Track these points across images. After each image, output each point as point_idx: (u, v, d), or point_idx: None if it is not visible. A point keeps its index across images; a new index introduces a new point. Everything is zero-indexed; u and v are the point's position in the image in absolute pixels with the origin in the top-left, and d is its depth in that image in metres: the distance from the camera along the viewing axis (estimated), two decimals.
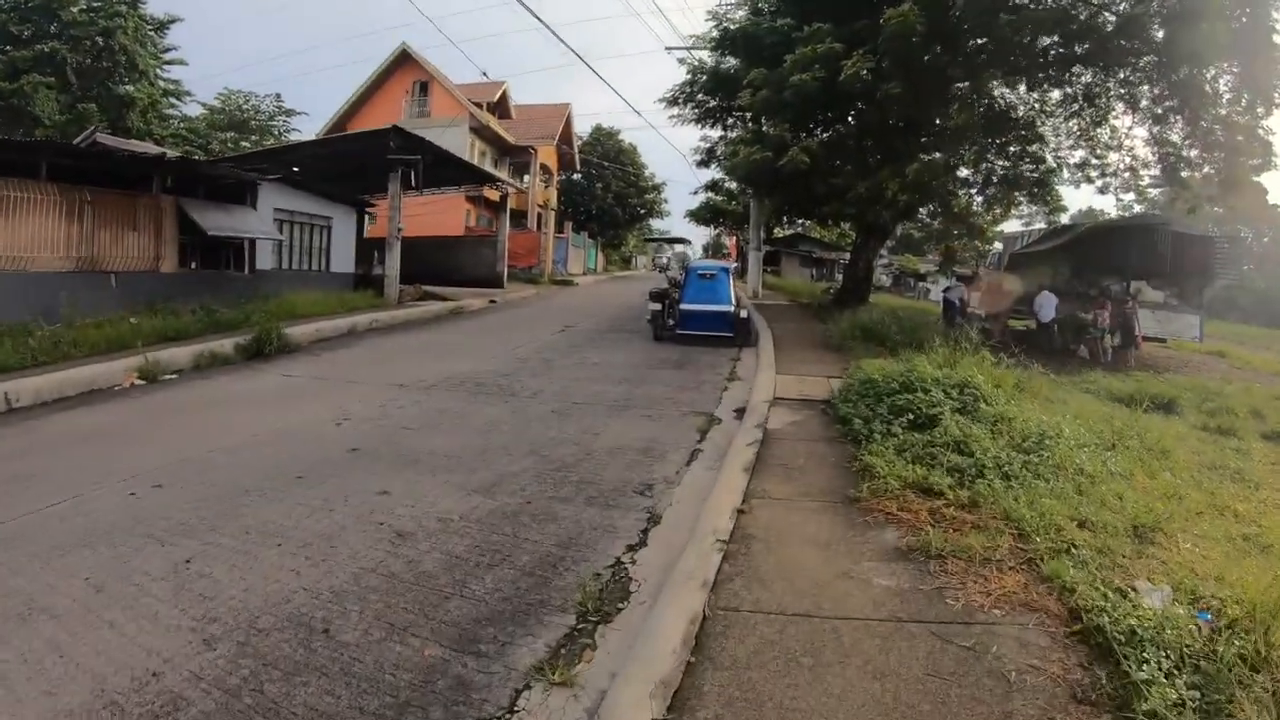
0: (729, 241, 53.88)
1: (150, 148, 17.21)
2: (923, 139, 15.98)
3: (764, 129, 15.01)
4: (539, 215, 41.40)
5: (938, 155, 14.61)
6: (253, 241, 17.28)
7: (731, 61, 18.56)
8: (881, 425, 5.67)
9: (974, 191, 18.72)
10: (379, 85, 38.55)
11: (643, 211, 57.22)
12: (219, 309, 14.01)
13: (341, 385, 9.34)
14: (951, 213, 17.93)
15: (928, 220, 20.18)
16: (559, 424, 7.24)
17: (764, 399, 7.42)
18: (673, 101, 22.01)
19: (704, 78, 19.83)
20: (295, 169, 23.30)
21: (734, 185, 28.33)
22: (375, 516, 4.68)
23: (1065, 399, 8.58)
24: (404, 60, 37.83)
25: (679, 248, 48.64)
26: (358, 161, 21.04)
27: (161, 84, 31.31)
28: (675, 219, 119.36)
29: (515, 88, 44.76)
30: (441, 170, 24.99)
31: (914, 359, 8.82)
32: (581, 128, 53.76)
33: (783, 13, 15.72)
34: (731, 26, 16.82)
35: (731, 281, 13.60)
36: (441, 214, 33.96)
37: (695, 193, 30.09)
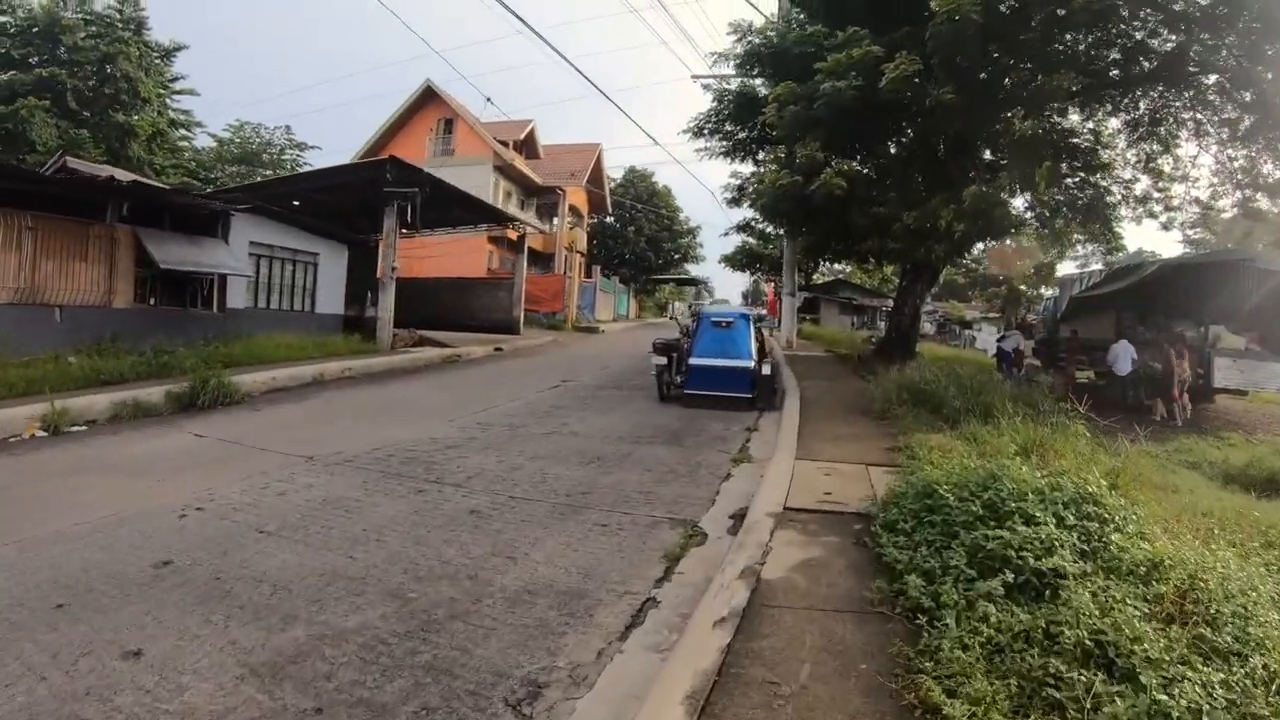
0: (768, 288, 51.73)
1: (121, 174, 15.72)
2: (979, 159, 13.69)
3: (794, 154, 12.83)
4: (565, 258, 39.78)
5: (1002, 175, 12.18)
6: (223, 277, 15.56)
7: (759, 84, 16.58)
8: (957, 592, 3.20)
9: (1036, 221, 16.19)
10: (403, 123, 37.72)
11: (677, 256, 55.36)
12: (175, 350, 12.47)
13: (244, 453, 7.43)
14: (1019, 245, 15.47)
15: (980, 258, 17.58)
16: (469, 536, 4.98)
17: (770, 507, 5.00)
18: (698, 132, 20.02)
19: (730, 105, 17.80)
20: (295, 203, 22.11)
21: (768, 226, 26.16)
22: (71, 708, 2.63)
23: (1176, 484, 6.59)
24: (429, 97, 36.93)
25: (695, 305, 46.73)
26: (358, 196, 19.48)
27: (171, 114, 30.67)
28: (710, 264, 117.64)
29: (549, 129, 43.63)
30: (451, 208, 23.46)
31: (989, 440, 6.52)
32: (615, 169, 52.63)
33: (813, 19, 13.71)
34: (755, 39, 14.75)
35: (753, 331, 11.35)
36: (462, 255, 32.46)
37: (726, 234, 27.91)
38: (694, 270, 70.34)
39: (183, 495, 5.74)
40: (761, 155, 19.66)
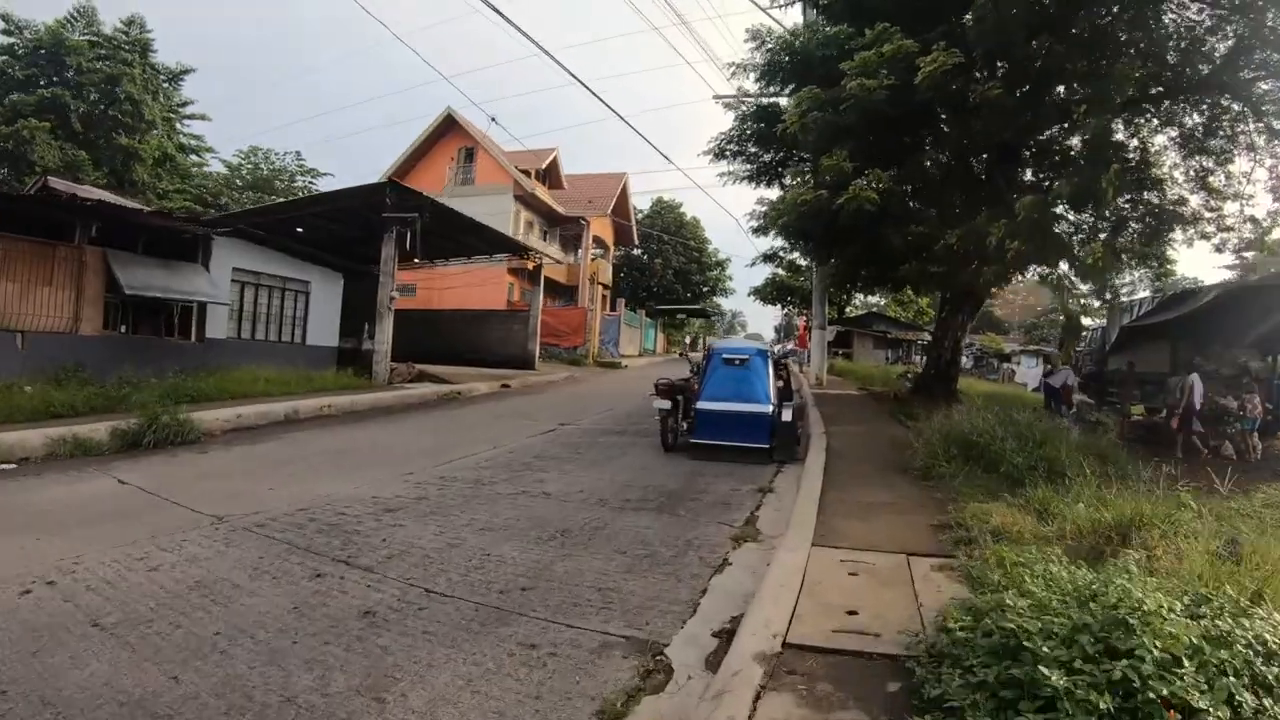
0: (800, 322, 49.98)
1: (97, 193, 14.86)
2: (1022, 176, 12.12)
3: (820, 167, 11.31)
4: (588, 291, 38.64)
5: (1059, 184, 10.50)
6: (204, 306, 14.50)
7: (784, 100, 15.22)
8: None
9: (1087, 240, 14.49)
10: (424, 151, 37.21)
11: (706, 289, 53.97)
12: (141, 382, 11.48)
13: (153, 508, 6.23)
14: (1080, 266, 13.74)
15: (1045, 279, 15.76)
16: (343, 654, 3.50)
17: (762, 641, 3.30)
18: (719, 154, 18.68)
19: (751, 123, 16.44)
20: (299, 230, 21.17)
21: (796, 254, 24.64)
22: None
23: None
24: (449, 126, 36.33)
25: (705, 340, 45.27)
26: (360, 222, 18.44)
27: (181, 138, 30.32)
28: (740, 298, 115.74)
29: (578, 157, 42.80)
30: (462, 237, 22.38)
31: (1064, 512, 4.92)
32: (643, 198, 51.64)
33: (836, 22, 12.34)
34: (774, 45, 13.32)
35: (771, 370, 9.78)
36: (482, 287, 31.35)
37: (752, 264, 26.43)
38: (725, 304, 68.94)
39: (45, 563, 4.66)
40: (788, 180, 18.23)
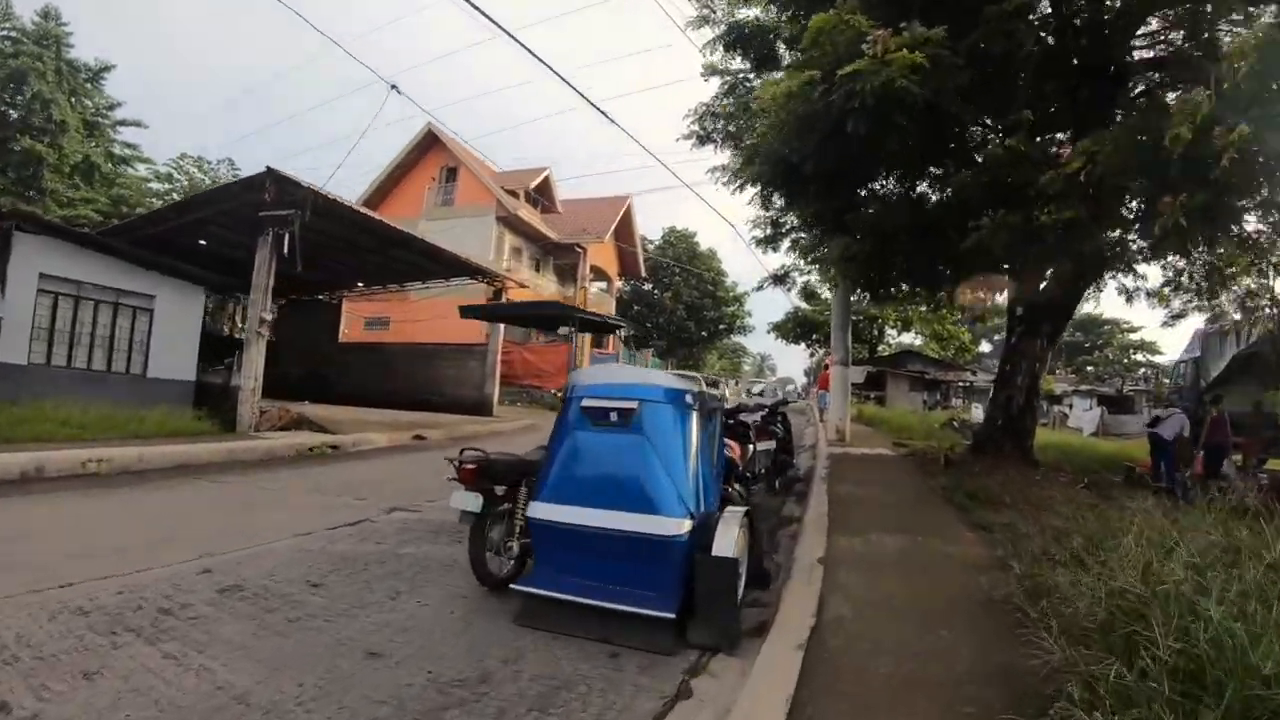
0: (829, 361, 44.66)
1: None
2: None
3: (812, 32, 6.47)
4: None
5: None
6: None
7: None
8: None
9: None
10: (406, 171, 33.58)
11: (721, 326, 49.19)
12: None
13: None
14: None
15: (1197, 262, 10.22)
16: None
17: None
18: (703, 138, 14.24)
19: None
20: (202, 242, 17.23)
21: (812, 273, 19.80)
22: None
23: None
24: (431, 143, 32.53)
25: (754, 386, 40.65)
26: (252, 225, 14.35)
27: (114, 147, 26.84)
28: (758, 335, 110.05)
29: (590, 188, 38.60)
30: (392, 250, 18.18)
31: None
32: (654, 227, 47.35)
33: None
34: None
35: (702, 435, 4.51)
36: (458, 320, 27.13)
37: (760, 287, 21.71)
38: (742, 342, 64.71)
39: None
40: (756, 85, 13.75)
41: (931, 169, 8.36)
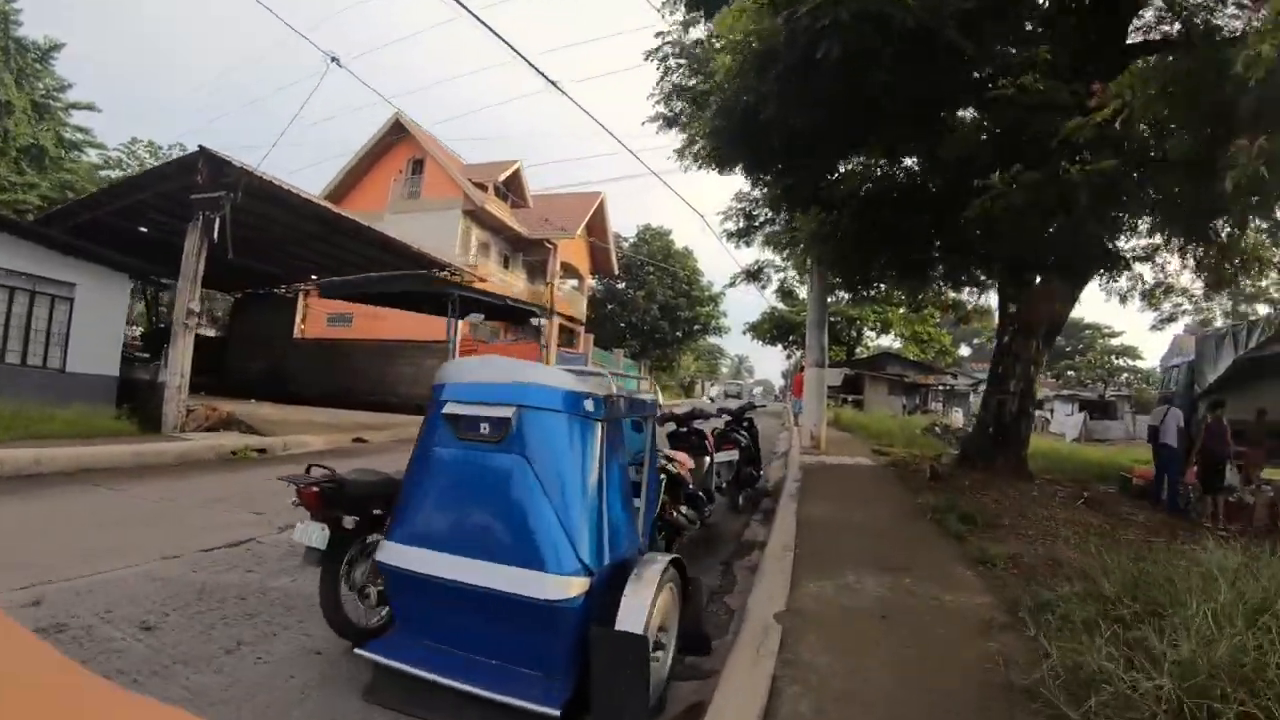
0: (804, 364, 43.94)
1: None
2: None
3: None
4: (550, 326, 33.00)
5: None
6: None
7: None
8: None
9: None
10: (373, 162, 32.19)
11: (696, 327, 48.20)
12: None
13: None
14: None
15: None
16: None
17: None
18: (670, 120, 13.23)
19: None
20: (143, 229, 16.01)
21: (787, 267, 19.01)
22: None
23: None
24: (398, 133, 31.22)
25: (732, 387, 39.78)
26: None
27: (65, 132, 25.38)
28: (734, 336, 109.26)
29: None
30: (351, 244, 17.12)
31: None
32: (629, 230, 46.26)
33: None
34: None
35: (604, 453, 3.14)
36: (421, 315, 25.89)
37: (733, 283, 20.72)
38: (719, 343, 64.01)
39: None
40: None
41: (922, 132, 7.15)
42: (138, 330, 24.37)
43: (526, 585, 2.76)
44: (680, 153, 12.80)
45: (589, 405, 3.13)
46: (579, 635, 2.82)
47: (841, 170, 8.89)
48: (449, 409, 3.15)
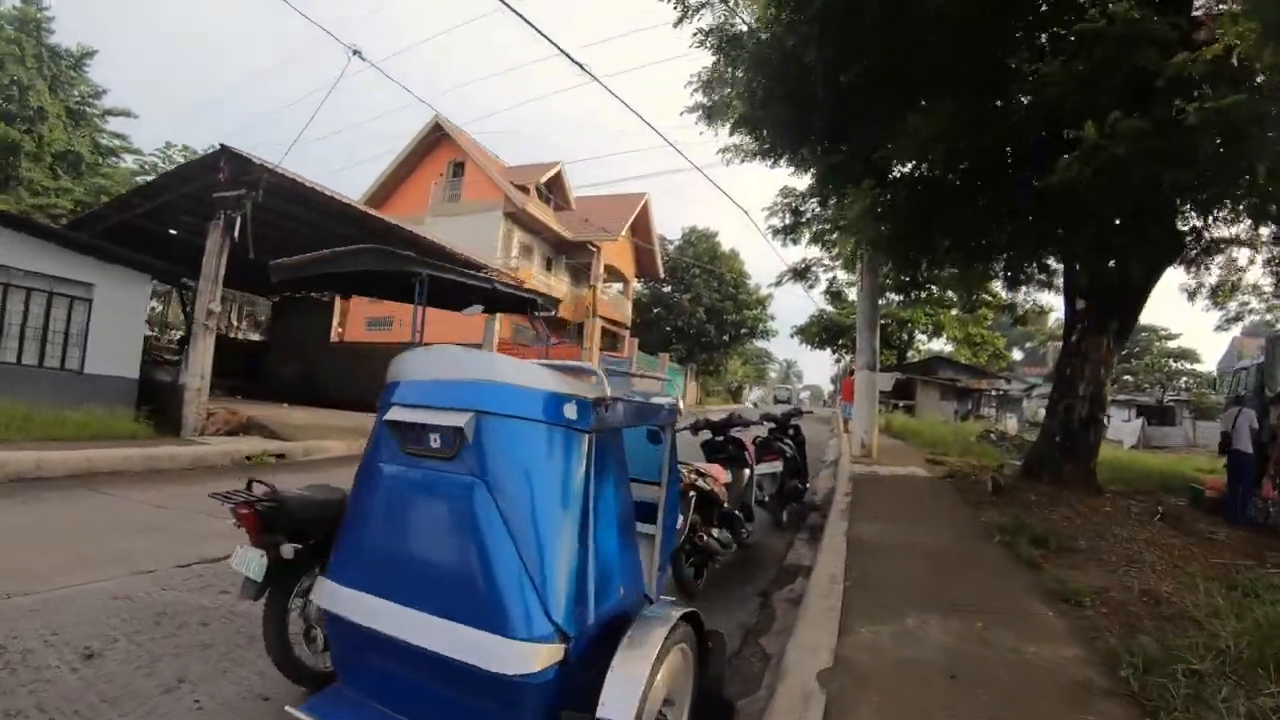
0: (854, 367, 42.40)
1: None
2: None
3: None
4: (593, 328, 32.50)
5: None
6: None
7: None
8: None
9: None
10: (413, 166, 32.23)
11: (744, 330, 47.19)
12: None
13: None
14: None
15: None
16: None
17: None
18: (709, 112, 12.48)
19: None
20: (173, 231, 16.03)
21: (836, 264, 18.04)
22: None
23: None
24: (439, 137, 31.13)
25: (779, 391, 38.76)
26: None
27: (101, 139, 25.81)
28: (782, 340, 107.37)
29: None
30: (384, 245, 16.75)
31: None
32: (675, 232, 45.52)
33: None
34: None
35: (591, 475, 2.33)
36: (461, 317, 25.65)
37: (779, 282, 19.76)
38: (767, 348, 63.02)
39: None
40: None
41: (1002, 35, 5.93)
42: (177, 335, 24.58)
43: (481, 653, 2.04)
44: (709, 113, 12.00)
45: (571, 411, 2.31)
46: (550, 713, 2.12)
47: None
48: (393, 414, 2.42)
